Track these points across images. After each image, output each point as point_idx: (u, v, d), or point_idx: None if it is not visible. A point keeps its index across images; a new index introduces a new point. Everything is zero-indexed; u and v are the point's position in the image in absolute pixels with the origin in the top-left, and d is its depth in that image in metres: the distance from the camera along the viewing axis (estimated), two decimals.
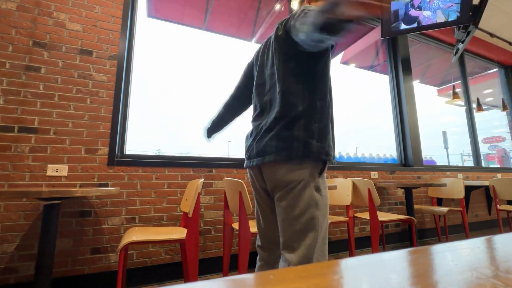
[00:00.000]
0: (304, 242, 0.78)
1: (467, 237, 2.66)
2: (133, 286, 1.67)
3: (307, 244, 0.78)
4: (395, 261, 0.22)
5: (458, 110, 4.32)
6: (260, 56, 1.04)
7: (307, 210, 0.79)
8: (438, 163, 3.84)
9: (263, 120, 0.90)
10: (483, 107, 3.83)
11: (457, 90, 4.23)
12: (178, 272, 1.79)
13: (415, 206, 2.79)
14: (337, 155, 3.02)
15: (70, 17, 1.78)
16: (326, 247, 0.82)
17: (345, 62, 4.12)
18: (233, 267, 1.95)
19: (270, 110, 0.89)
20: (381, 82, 3.52)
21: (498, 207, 2.72)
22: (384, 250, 2.50)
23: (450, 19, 2.78)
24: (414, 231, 2.11)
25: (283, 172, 0.81)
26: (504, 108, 3.80)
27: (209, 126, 1.24)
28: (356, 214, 2.17)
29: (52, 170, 1.59)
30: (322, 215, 0.82)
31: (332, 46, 0.86)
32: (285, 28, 0.87)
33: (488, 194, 3.58)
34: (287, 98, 0.84)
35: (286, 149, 0.80)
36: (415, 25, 2.87)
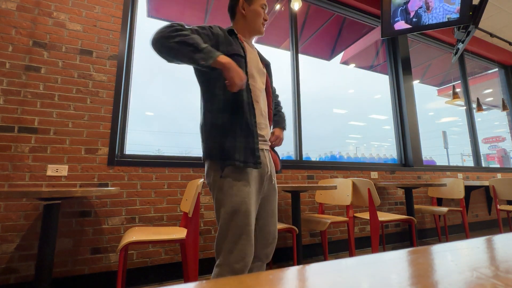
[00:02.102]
0: (222, 245, 0.86)
1: (467, 237, 2.66)
2: (133, 286, 1.67)
3: (224, 248, 0.85)
4: (395, 261, 0.22)
5: (458, 110, 4.32)
6: None
7: (217, 210, 0.89)
8: (438, 163, 3.84)
9: None
10: (483, 107, 3.83)
11: (457, 90, 4.23)
12: (178, 272, 1.79)
13: (415, 206, 2.79)
14: (337, 155, 3.01)
15: (70, 17, 1.78)
16: (239, 247, 0.83)
17: (345, 62, 4.12)
18: None
19: None
20: (381, 82, 3.52)
21: (498, 207, 2.72)
22: (384, 250, 2.50)
23: (450, 19, 2.78)
24: (414, 231, 2.11)
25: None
26: (504, 108, 3.80)
27: None
28: (356, 214, 2.17)
29: (52, 170, 1.59)
30: (227, 212, 0.85)
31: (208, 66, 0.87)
32: None
33: (488, 194, 3.58)
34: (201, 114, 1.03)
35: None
36: (415, 25, 2.87)
